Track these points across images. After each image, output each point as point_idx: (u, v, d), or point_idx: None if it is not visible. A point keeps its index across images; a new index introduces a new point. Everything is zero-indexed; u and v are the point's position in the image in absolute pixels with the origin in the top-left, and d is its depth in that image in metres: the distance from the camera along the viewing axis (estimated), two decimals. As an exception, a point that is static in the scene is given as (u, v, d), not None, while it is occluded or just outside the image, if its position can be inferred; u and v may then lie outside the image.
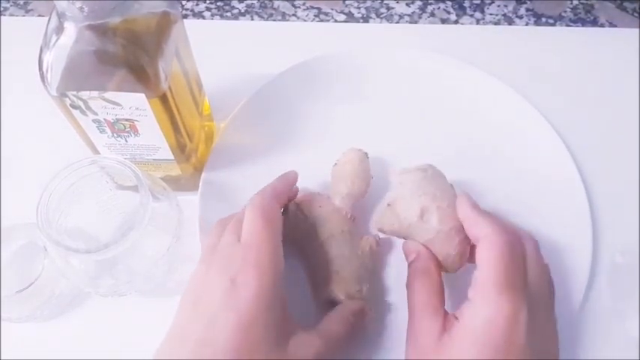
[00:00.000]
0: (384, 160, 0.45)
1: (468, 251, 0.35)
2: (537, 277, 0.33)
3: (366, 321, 0.36)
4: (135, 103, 0.34)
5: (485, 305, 0.30)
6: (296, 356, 0.30)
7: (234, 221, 0.35)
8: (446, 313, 0.32)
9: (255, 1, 0.59)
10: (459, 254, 0.35)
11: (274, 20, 0.58)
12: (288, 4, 0.59)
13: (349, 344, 0.34)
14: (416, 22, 0.59)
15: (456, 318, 0.31)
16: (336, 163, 0.42)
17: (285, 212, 0.39)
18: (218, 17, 0.59)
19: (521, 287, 0.31)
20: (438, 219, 0.35)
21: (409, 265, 0.36)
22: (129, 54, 0.31)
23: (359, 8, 0.59)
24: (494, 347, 0.29)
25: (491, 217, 0.34)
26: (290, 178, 0.39)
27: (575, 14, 0.59)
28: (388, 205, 0.37)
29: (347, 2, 0.59)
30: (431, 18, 0.59)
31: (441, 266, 0.35)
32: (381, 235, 0.39)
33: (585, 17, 0.59)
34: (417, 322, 0.33)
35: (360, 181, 0.40)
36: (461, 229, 0.35)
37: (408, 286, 0.35)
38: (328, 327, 0.34)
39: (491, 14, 0.59)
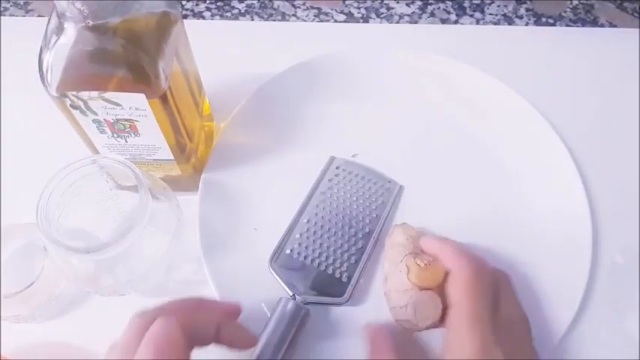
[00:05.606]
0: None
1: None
2: (511, 308, 0.33)
3: None
4: (135, 104, 0.34)
5: (456, 342, 0.30)
6: None
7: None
8: None
9: (255, 1, 0.59)
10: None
11: (274, 20, 0.58)
12: (288, 4, 0.59)
13: None
14: (416, 22, 0.59)
15: None
16: None
17: None
18: (218, 17, 0.59)
19: (489, 318, 0.31)
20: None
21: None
22: (129, 54, 0.31)
23: (359, 8, 0.59)
24: None
25: (457, 247, 0.34)
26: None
27: (575, 14, 0.59)
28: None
29: (347, 2, 0.59)
30: (431, 18, 0.59)
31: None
32: None
33: (585, 17, 0.59)
34: None
35: None
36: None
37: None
38: None
39: (491, 14, 0.59)
